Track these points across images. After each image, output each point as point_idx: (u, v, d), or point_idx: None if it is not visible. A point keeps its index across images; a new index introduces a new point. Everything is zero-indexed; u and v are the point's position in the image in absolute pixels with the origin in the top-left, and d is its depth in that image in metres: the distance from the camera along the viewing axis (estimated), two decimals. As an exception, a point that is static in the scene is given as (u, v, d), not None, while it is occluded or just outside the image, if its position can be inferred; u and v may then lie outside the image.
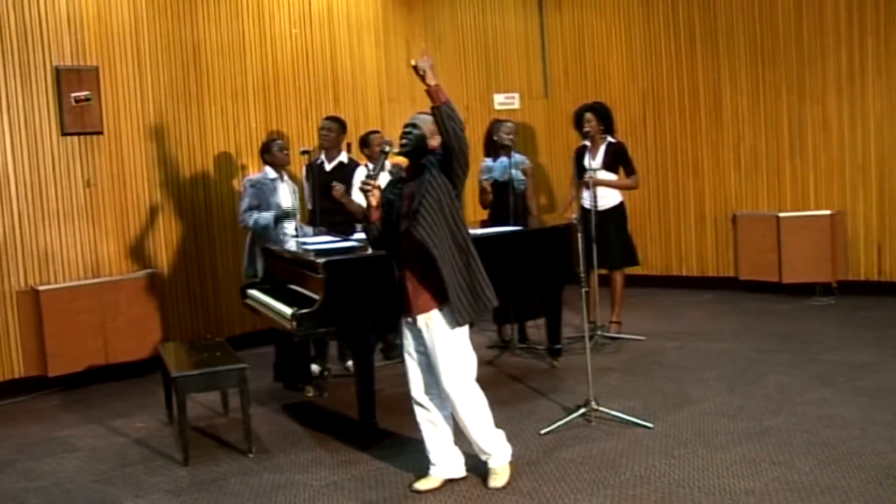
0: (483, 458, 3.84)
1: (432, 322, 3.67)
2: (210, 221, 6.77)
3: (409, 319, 3.74)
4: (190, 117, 6.63)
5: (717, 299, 7.65)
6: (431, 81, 3.58)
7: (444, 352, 3.67)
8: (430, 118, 3.72)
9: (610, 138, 6.38)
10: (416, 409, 3.83)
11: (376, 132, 6.40)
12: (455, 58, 8.81)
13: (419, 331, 3.73)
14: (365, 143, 6.30)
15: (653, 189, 8.29)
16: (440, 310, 3.65)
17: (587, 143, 6.29)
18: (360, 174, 5.95)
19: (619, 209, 6.43)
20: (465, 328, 3.70)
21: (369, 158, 6.22)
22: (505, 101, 8.78)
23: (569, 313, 6.51)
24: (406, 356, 3.80)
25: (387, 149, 3.80)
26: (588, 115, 6.32)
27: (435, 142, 3.71)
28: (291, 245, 5.27)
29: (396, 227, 3.73)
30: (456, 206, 3.65)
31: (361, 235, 5.36)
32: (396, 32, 8.33)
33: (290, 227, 5.65)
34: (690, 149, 8.09)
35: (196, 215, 6.69)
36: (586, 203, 6.27)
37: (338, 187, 5.68)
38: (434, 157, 3.70)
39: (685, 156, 8.12)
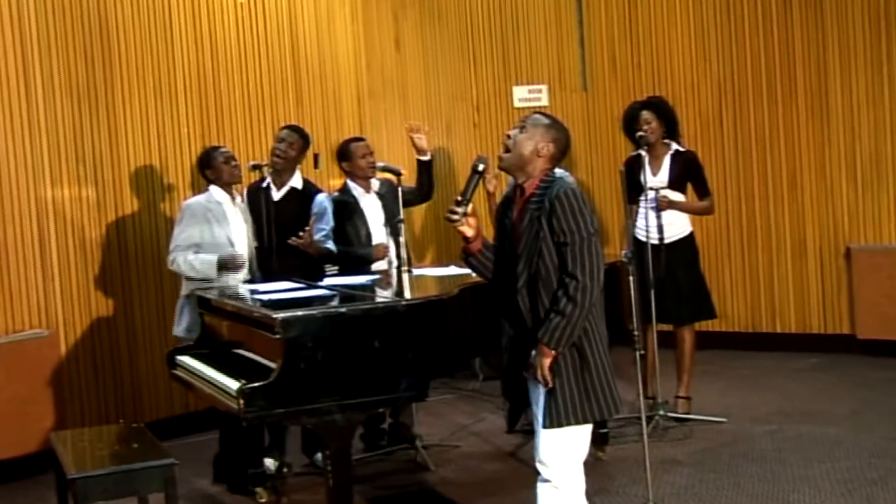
0: None
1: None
2: (125, 263, 6.86)
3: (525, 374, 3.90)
4: (95, 122, 6.74)
5: (826, 366, 7.69)
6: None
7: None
8: (545, 120, 3.90)
9: (676, 146, 6.48)
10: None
11: (359, 140, 6.50)
12: (460, 40, 8.96)
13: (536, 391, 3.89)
14: (345, 155, 6.40)
15: (732, 213, 8.38)
16: None
17: (642, 151, 6.38)
18: (320, 203, 6.03)
19: (688, 242, 6.52)
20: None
21: (350, 177, 6.32)
22: (528, 97, 8.91)
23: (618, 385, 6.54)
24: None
25: (481, 167, 3.89)
26: (645, 115, 6.41)
27: (545, 153, 3.84)
28: (238, 293, 5.34)
29: (509, 259, 3.89)
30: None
31: (342, 279, 5.44)
32: (380, 3, 8.49)
33: (240, 276, 5.74)
34: (785, 156, 8.20)
35: (105, 254, 6.78)
36: (642, 234, 6.35)
37: (303, 237, 5.72)
38: (549, 180, 3.82)
39: (777, 166, 8.23)
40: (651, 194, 6.29)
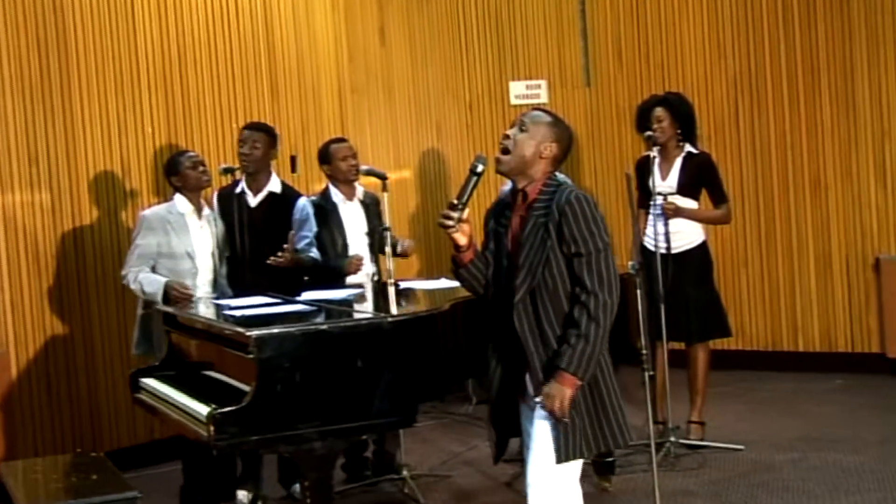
0: None
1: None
2: (83, 275, 6.86)
3: (531, 402, 3.87)
4: (50, 120, 6.73)
5: (853, 387, 7.72)
6: None
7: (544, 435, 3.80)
8: (546, 117, 3.90)
9: (690, 147, 6.50)
10: None
11: (341, 141, 6.50)
12: (451, 30, 8.98)
13: (528, 415, 3.89)
14: (325, 157, 6.41)
15: (750, 220, 8.41)
16: None
17: (652, 153, 6.40)
18: (301, 209, 6.04)
19: (701, 252, 6.54)
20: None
21: (332, 181, 6.32)
22: (526, 93, 8.94)
23: (624, 406, 6.55)
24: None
25: (480, 168, 3.86)
26: (658, 112, 6.44)
27: (548, 155, 3.84)
28: (206, 310, 5.34)
29: (505, 271, 3.88)
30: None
31: (322, 293, 5.44)
32: (363, -11, 8.53)
33: (203, 284, 5.76)
34: (807, 158, 8.23)
35: (61, 266, 6.77)
36: (651, 243, 6.36)
37: (283, 256, 5.71)
38: (554, 184, 3.82)
39: (799, 167, 8.26)
40: (658, 200, 6.29)
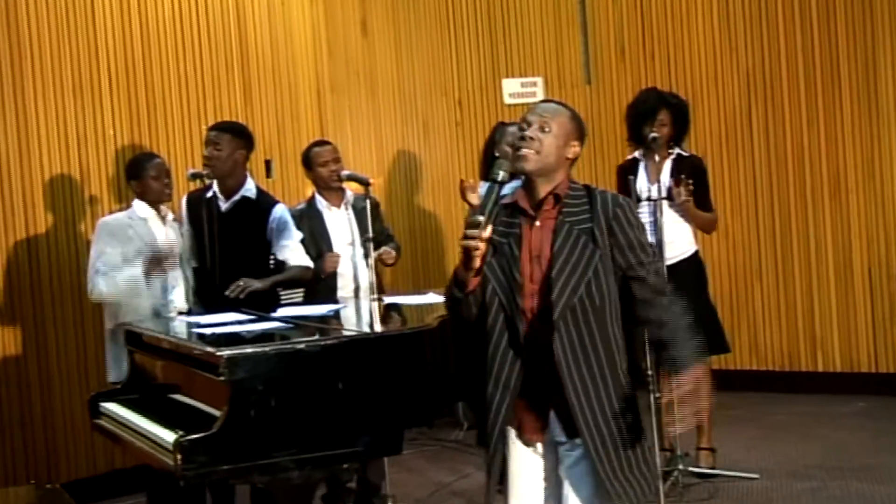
0: None
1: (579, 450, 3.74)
2: (37, 290, 6.85)
3: (534, 439, 3.82)
4: (1, 123, 6.73)
5: (877, 411, 7.73)
6: None
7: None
8: (564, 111, 3.81)
9: (679, 150, 6.57)
10: None
11: (322, 144, 6.51)
12: (439, 22, 9.00)
13: (548, 457, 3.83)
14: (307, 162, 6.41)
15: (764, 227, 8.45)
16: None
17: (638, 154, 6.49)
18: (280, 216, 6.03)
19: (693, 263, 6.60)
20: None
21: (316, 186, 6.33)
22: (521, 91, 8.96)
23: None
24: (514, 490, 3.87)
25: (501, 176, 3.69)
26: (663, 116, 6.50)
27: (572, 155, 3.78)
28: (175, 327, 5.32)
29: (519, 288, 3.75)
30: (617, 301, 3.75)
31: (299, 309, 5.44)
32: (343, -21, 8.55)
33: (176, 296, 5.74)
34: (826, 159, 8.27)
35: (13, 280, 6.77)
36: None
37: (236, 288, 5.59)
38: (579, 186, 3.77)
39: (817, 170, 8.30)
40: (647, 206, 6.31)
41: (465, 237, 3.58)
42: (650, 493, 3.75)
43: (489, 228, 3.62)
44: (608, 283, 3.65)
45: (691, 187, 6.28)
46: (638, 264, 3.66)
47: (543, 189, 3.74)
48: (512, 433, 3.82)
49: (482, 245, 3.59)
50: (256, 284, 5.63)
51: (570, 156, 3.76)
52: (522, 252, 3.74)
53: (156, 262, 5.69)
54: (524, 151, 3.71)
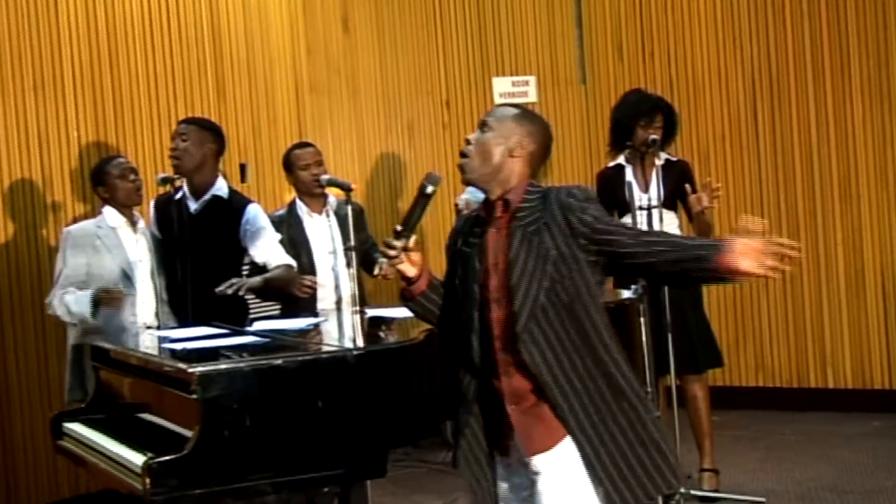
0: None
1: (555, 463, 3.73)
2: (-4, 304, 6.85)
3: (510, 460, 3.84)
4: (-38, 122, 6.74)
5: (892, 430, 7.75)
6: None
7: None
8: (511, 111, 3.91)
9: (667, 155, 6.60)
10: None
11: (303, 147, 6.52)
12: (426, 18, 9.01)
13: (526, 478, 3.82)
14: (287, 166, 6.42)
15: (770, 232, 8.38)
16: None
17: (623, 160, 6.57)
18: (254, 217, 6.02)
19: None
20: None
21: (297, 191, 6.34)
22: (512, 90, 8.97)
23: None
24: None
25: (430, 189, 3.89)
26: (658, 120, 6.52)
27: (521, 153, 3.82)
28: (143, 342, 5.31)
29: (475, 303, 3.81)
30: (595, 295, 3.74)
31: (276, 323, 5.43)
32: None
33: (143, 311, 5.72)
34: (836, 160, 8.29)
35: (-28, 293, 6.75)
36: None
37: (230, 285, 5.59)
38: (538, 188, 3.81)
39: (827, 173, 8.33)
40: (643, 215, 6.31)
41: (382, 246, 3.86)
42: (662, 489, 3.72)
43: (412, 239, 3.83)
44: (577, 280, 3.65)
45: (718, 193, 6.27)
46: (608, 234, 3.66)
47: (498, 194, 3.82)
48: (484, 453, 3.88)
49: (399, 255, 3.83)
50: (251, 282, 5.63)
51: (518, 154, 3.80)
52: (485, 261, 3.82)
53: (105, 301, 5.62)
54: (461, 162, 3.86)
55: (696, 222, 6.35)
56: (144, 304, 5.84)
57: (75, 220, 6.43)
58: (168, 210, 5.96)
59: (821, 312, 8.37)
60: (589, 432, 3.65)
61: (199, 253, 5.83)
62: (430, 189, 3.88)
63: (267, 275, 5.81)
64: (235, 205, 6.00)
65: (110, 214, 5.84)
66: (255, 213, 5.99)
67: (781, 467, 7.05)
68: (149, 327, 5.75)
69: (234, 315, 5.67)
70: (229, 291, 5.50)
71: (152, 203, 6.19)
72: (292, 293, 5.98)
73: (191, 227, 5.89)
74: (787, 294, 8.43)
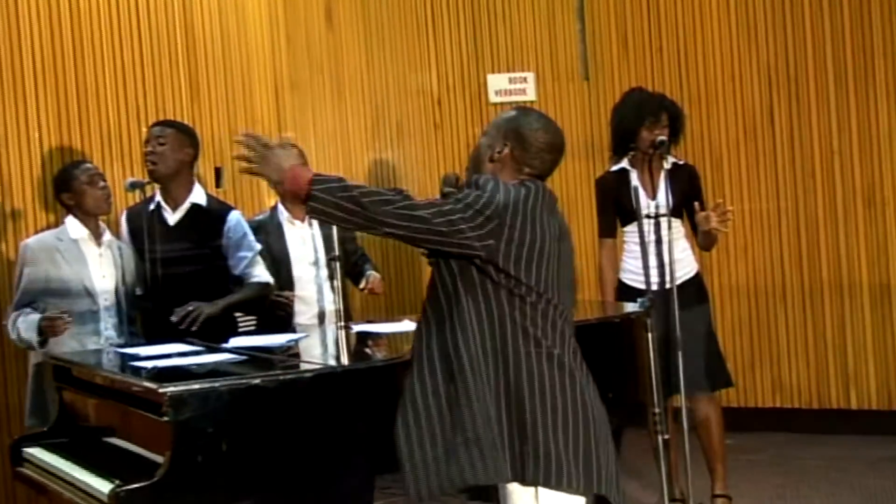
0: None
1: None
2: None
3: None
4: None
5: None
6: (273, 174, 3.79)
7: None
8: (504, 115, 4.02)
9: (673, 158, 6.62)
10: None
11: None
12: (415, 10, 9.02)
13: None
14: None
15: (789, 244, 8.48)
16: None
17: (627, 164, 6.57)
18: (236, 225, 6.01)
19: (699, 283, 6.66)
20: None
21: (280, 197, 6.34)
22: (509, 88, 8.98)
23: (632, 481, 6.55)
24: None
25: (446, 192, 4.01)
26: (665, 120, 6.52)
27: (501, 157, 3.94)
28: (110, 360, 5.31)
29: None
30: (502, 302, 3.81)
31: (254, 339, 5.42)
32: (305, -40, 8.55)
33: (108, 330, 5.71)
34: (859, 165, 8.30)
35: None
36: (634, 277, 6.43)
37: (186, 314, 5.58)
38: None
39: (849, 179, 8.33)
40: (650, 224, 6.30)
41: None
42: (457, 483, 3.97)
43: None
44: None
45: (729, 217, 6.25)
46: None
47: None
48: None
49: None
50: (208, 309, 5.61)
51: (497, 157, 3.93)
52: None
53: (49, 329, 5.56)
54: (466, 166, 4.12)
55: (701, 237, 6.36)
56: (107, 320, 5.81)
57: (37, 231, 6.39)
58: (140, 221, 5.95)
59: (843, 327, 8.37)
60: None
61: (181, 268, 5.81)
62: (447, 191, 3.95)
63: (230, 298, 5.81)
64: (216, 213, 6.01)
65: (73, 226, 5.81)
66: (237, 221, 6.00)
67: (800, 494, 7.05)
68: (112, 345, 5.72)
69: (220, 331, 5.64)
70: (182, 326, 5.50)
71: (123, 216, 6.15)
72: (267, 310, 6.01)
73: (170, 241, 5.87)
74: (807, 308, 8.42)
